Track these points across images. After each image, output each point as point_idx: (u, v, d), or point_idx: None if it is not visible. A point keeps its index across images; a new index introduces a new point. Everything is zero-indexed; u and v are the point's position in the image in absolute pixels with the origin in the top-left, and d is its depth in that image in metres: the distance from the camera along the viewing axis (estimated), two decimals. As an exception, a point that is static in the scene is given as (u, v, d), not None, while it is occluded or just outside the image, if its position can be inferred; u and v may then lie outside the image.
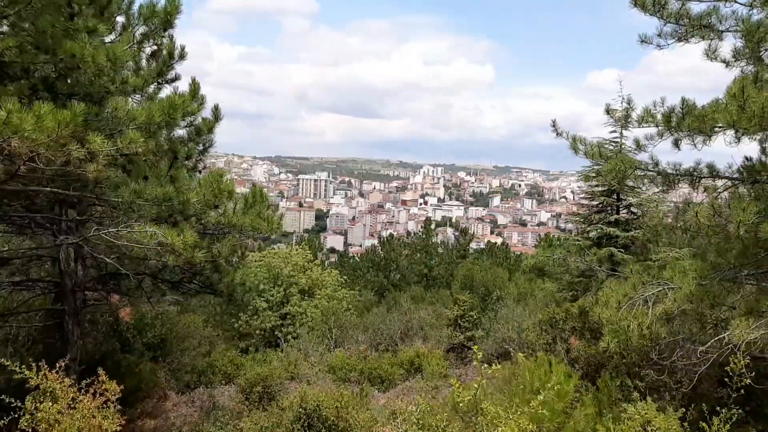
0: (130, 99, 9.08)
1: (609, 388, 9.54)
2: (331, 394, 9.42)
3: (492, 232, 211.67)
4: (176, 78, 10.90)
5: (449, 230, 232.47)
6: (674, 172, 9.74)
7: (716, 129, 8.71)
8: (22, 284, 10.30)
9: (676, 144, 9.64)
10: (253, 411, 12.21)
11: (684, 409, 8.75)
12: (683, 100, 9.22)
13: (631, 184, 11.60)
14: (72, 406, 5.92)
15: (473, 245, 49.59)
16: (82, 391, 6.11)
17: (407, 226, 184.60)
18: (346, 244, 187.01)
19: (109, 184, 7.80)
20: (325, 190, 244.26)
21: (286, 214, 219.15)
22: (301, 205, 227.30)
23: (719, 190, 9.28)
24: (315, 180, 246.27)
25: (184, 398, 15.64)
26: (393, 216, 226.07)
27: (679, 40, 9.83)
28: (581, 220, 21.01)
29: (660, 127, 9.74)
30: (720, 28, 9.62)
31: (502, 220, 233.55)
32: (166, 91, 11.06)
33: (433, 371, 15.89)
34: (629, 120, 10.41)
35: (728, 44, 9.86)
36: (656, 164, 10.05)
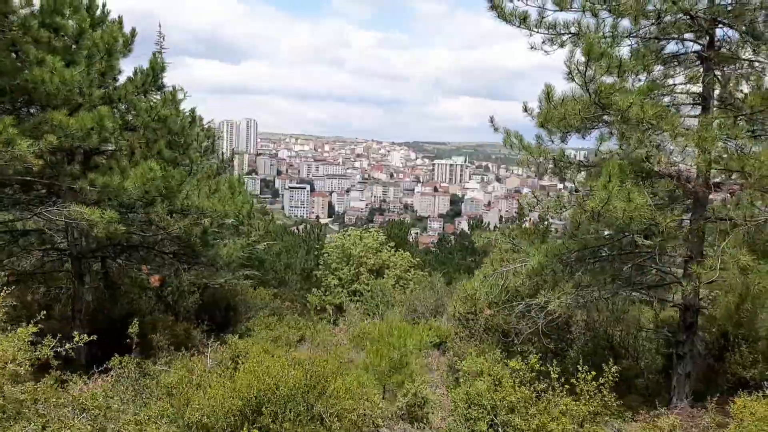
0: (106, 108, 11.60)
1: (493, 349, 10.86)
2: (260, 346, 11.54)
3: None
4: (162, 87, 13.40)
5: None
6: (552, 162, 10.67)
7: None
8: (47, 251, 13.40)
9: (562, 139, 10.57)
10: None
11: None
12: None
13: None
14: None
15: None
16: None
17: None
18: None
19: (68, 174, 10.43)
20: (461, 174, 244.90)
21: (421, 198, 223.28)
22: (436, 189, 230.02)
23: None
24: (450, 165, 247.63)
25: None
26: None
27: (561, 46, 10.59)
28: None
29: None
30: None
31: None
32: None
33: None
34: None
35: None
36: (555, 158, 10.95)
